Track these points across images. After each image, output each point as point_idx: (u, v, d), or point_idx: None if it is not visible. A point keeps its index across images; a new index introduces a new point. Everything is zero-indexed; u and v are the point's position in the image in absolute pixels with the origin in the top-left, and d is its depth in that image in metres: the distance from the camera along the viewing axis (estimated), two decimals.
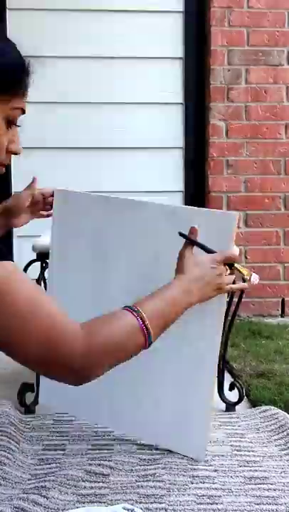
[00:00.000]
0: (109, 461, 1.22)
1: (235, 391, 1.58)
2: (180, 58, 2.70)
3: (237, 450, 1.31)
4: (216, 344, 1.22)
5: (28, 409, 1.54)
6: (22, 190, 1.33)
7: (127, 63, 2.67)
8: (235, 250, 1.19)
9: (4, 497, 1.08)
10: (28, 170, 2.65)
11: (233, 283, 1.15)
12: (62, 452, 1.29)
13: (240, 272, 1.16)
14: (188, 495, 1.10)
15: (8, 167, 2.70)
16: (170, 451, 1.27)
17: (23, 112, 0.89)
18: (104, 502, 1.06)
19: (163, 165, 2.72)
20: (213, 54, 2.61)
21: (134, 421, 1.31)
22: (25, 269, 1.52)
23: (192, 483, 1.15)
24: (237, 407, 1.58)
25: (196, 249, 1.11)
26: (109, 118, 2.68)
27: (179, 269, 1.07)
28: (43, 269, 1.55)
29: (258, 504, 1.07)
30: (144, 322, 0.91)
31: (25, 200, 1.30)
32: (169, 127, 2.71)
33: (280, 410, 1.50)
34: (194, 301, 1.05)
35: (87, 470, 1.17)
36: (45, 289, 1.59)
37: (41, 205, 1.33)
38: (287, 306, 2.71)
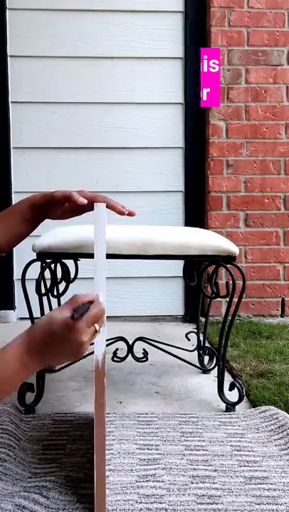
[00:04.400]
0: (109, 461, 1.22)
1: (235, 391, 1.59)
2: (180, 58, 2.70)
3: (237, 450, 1.31)
4: None
5: (28, 409, 1.54)
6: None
7: (127, 63, 2.68)
8: (100, 306, 0.93)
9: (6, 492, 1.08)
10: (28, 170, 2.67)
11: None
12: (62, 452, 1.29)
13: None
14: (189, 495, 1.11)
15: (8, 167, 2.73)
16: (170, 453, 1.27)
17: None
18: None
19: (163, 165, 2.72)
20: None
21: None
22: (26, 269, 1.52)
23: (192, 483, 1.15)
24: (237, 407, 1.58)
25: None
26: (109, 118, 2.68)
27: (28, 329, 0.91)
28: (42, 269, 1.55)
29: (258, 504, 1.07)
30: None
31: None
32: (169, 127, 2.72)
33: (280, 410, 1.50)
34: (31, 370, 0.89)
35: (87, 471, 1.17)
36: (45, 288, 1.60)
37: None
38: (287, 306, 2.71)
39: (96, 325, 0.91)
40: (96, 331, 0.91)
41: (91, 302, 0.92)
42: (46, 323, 0.90)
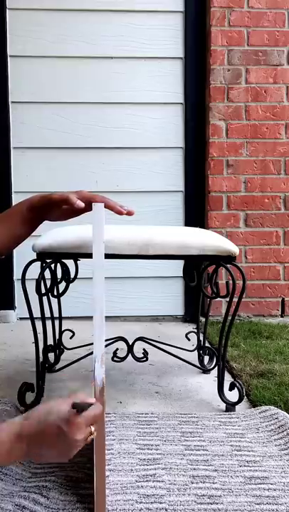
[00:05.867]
0: (109, 461, 1.22)
1: (235, 391, 1.59)
2: (180, 58, 2.70)
3: (237, 450, 1.31)
4: None
5: (28, 409, 1.54)
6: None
7: (127, 63, 2.68)
8: (100, 409, 0.93)
9: (6, 492, 1.08)
10: (28, 170, 2.67)
11: None
12: None
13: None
14: (189, 495, 1.10)
15: (8, 167, 2.73)
16: (170, 453, 1.27)
17: None
18: None
19: (163, 165, 2.72)
20: (213, 54, 2.61)
21: None
22: (26, 269, 1.52)
23: (192, 483, 1.15)
24: (237, 407, 1.58)
25: None
26: (109, 118, 2.68)
27: (24, 414, 0.89)
28: (43, 269, 1.55)
29: (258, 504, 1.07)
30: None
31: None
32: (169, 127, 2.72)
33: (280, 410, 1.50)
34: (13, 456, 0.87)
35: (87, 471, 1.17)
36: (45, 288, 1.60)
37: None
38: (287, 306, 2.71)
39: (92, 427, 0.90)
40: (91, 433, 0.90)
41: (90, 404, 0.91)
42: (44, 412, 0.88)
